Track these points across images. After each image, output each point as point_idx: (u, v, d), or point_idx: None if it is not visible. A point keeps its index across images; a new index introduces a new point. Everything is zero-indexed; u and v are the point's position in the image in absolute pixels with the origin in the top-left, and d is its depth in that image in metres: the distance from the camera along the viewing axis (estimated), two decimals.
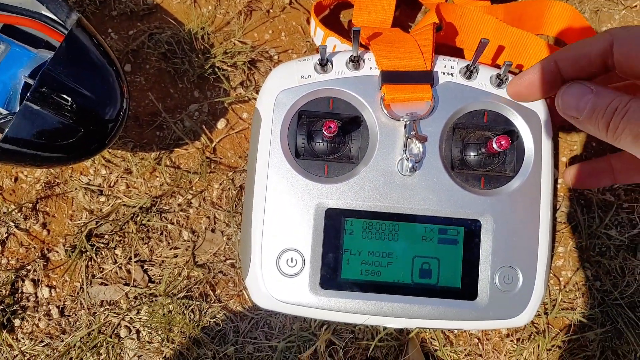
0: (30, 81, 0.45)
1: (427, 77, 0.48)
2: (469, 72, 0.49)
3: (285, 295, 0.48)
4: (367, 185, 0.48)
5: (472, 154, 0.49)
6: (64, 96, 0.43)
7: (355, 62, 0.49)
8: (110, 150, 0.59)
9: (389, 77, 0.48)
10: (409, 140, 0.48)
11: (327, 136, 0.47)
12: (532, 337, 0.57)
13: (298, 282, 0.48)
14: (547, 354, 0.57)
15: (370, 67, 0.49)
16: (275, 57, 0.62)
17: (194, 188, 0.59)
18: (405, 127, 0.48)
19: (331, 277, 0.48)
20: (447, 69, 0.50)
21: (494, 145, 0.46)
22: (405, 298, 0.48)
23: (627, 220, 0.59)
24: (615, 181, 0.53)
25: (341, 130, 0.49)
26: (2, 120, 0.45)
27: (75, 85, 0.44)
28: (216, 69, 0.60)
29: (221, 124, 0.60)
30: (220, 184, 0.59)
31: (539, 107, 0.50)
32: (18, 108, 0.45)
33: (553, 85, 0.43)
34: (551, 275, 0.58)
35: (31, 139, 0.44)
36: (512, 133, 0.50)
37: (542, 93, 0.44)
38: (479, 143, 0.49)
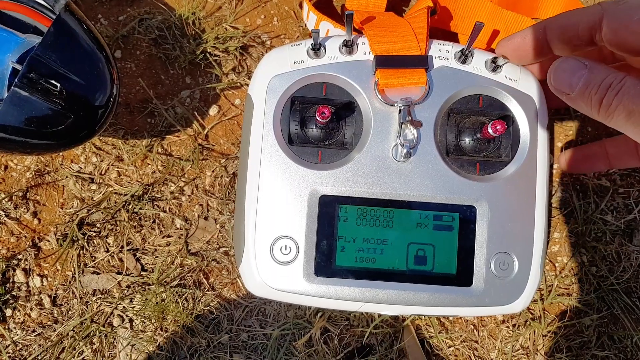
0: (18, 67, 0.44)
1: (422, 62, 0.47)
2: (464, 57, 0.49)
3: (279, 283, 0.47)
4: (361, 172, 0.48)
5: (467, 139, 0.49)
6: (53, 82, 0.42)
7: (349, 46, 0.48)
8: (100, 138, 0.58)
9: (383, 62, 0.47)
10: (403, 125, 0.47)
11: (320, 122, 0.46)
12: (528, 323, 0.57)
13: (292, 269, 0.47)
14: (543, 339, 0.57)
15: (364, 51, 0.49)
16: (268, 42, 0.61)
17: (186, 175, 0.58)
18: (399, 112, 0.47)
19: (325, 265, 0.47)
20: (442, 53, 0.49)
21: (490, 130, 0.45)
22: (400, 285, 0.48)
23: (622, 205, 0.59)
24: (610, 166, 0.52)
25: (335, 116, 0.48)
26: None
27: (64, 71, 0.43)
28: (208, 55, 0.59)
29: (213, 110, 0.59)
30: (213, 171, 0.58)
31: (535, 92, 0.49)
32: (6, 94, 0.45)
33: (539, 51, 0.43)
34: (547, 261, 0.58)
35: (20, 126, 0.43)
36: (507, 118, 0.49)
37: (527, 58, 0.44)
38: (474, 128, 0.49)
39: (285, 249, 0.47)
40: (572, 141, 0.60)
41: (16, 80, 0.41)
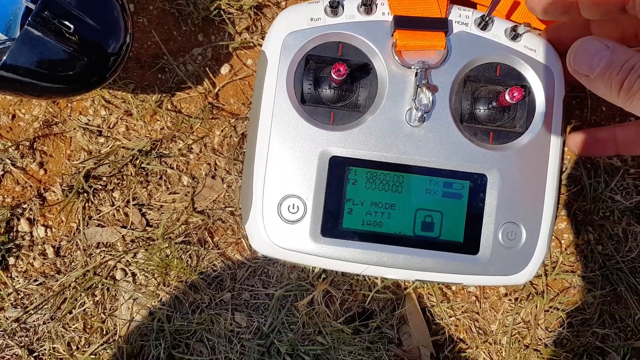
0: (32, 5, 0.43)
1: (442, 25, 0.46)
2: (484, 23, 0.48)
3: (285, 242, 0.47)
4: (373, 135, 0.47)
5: (482, 107, 0.48)
6: (66, 23, 0.41)
7: (367, 5, 0.47)
8: (110, 91, 0.57)
9: (402, 22, 0.46)
10: (419, 89, 0.46)
11: (335, 80, 0.46)
12: (531, 297, 0.57)
13: (299, 228, 0.47)
14: (545, 314, 0.57)
15: (383, 12, 0.48)
16: (283, 3, 0.60)
17: (195, 133, 0.58)
18: (415, 75, 0.46)
19: (332, 226, 0.47)
20: (462, 18, 0.48)
21: (507, 97, 0.44)
22: (406, 249, 0.47)
23: (632, 186, 0.58)
24: (618, 152, 0.51)
25: (349, 77, 0.47)
26: (2, 47, 0.43)
27: (78, 13, 0.42)
28: (221, 12, 0.58)
29: (225, 69, 0.58)
30: (222, 131, 0.58)
31: (553, 63, 0.49)
32: (18, 34, 0.44)
33: (566, 8, 0.41)
34: (553, 237, 0.58)
35: (31, 67, 0.42)
36: (524, 88, 0.48)
37: (554, 10, 0.43)
38: (489, 97, 0.48)
39: (293, 208, 0.47)
40: (585, 120, 0.60)
41: (29, 18, 0.41)
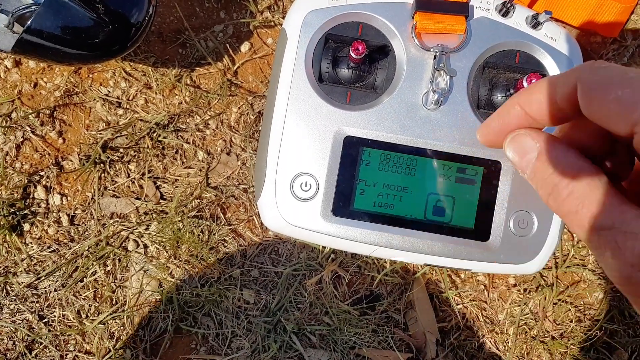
0: None
1: (463, 8, 0.46)
2: (505, 10, 0.48)
3: (297, 219, 0.47)
4: (389, 116, 0.47)
5: (499, 94, 0.48)
6: None
7: None
8: (131, 64, 0.58)
9: (424, 5, 0.46)
10: (437, 72, 0.46)
11: (354, 59, 0.46)
12: (540, 289, 0.57)
13: (310, 206, 0.47)
14: (553, 307, 0.57)
15: None
16: None
17: (212, 109, 0.58)
18: (434, 58, 0.46)
19: (344, 205, 0.47)
20: (483, 4, 0.48)
21: (525, 84, 0.44)
22: (416, 232, 0.47)
23: None
24: None
25: (367, 58, 0.48)
26: (27, 11, 0.44)
27: None
28: None
29: (245, 47, 0.59)
30: (239, 108, 0.58)
31: (574, 53, 0.48)
32: None
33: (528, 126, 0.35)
34: (565, 230, 0.58)
35: (54, 32, 0.43)
36: (542, 77, 0.48)
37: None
38: (507, 84, 0.48)
39: (306, 186, 0.47)
40: None
41: None
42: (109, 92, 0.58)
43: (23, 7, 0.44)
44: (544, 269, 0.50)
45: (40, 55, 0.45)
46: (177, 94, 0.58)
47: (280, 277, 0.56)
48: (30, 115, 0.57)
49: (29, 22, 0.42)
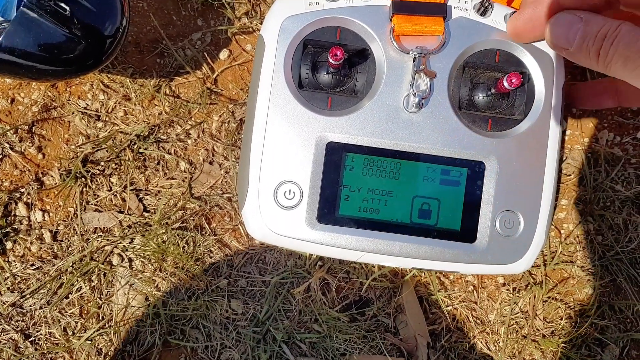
0: None
1: (441, 9, 0.46)
2: (484, 9, 0.47)
3: (282, 228, 0.47)
4: (370, 120, 0.47)
5: (480, 94, 0.48)
6: (62, 4, 0.41)
7: None
8: (109, 75, 0.57)
9: (401, 7, 0.46)
10: (416, 75, 0.46)
11: (332, 65, 0.45)
12: (529, 287, 0.57)
13: (295, 215, 0.47)
14: (543, 305, 0.57)
15: None
16: None
17: (193, 119, 0.57)
18: (414, 61, 0.46)
19: (329, 212, 0.47)
20: (461, 3, 0.48)
21: (505, 83, 0.44)
22: (402, 237, 0.47)
23: (634, 175, 0.58)
24: (619, 103, 0.50)
25: (347, 62, 0.47)
26: None
27: None
28: None
29: (223, 54, 0.58)
30: (220, 116, 0.57)
31: (552, 50, 0.48)
32: (14, 15, 0.44)
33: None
34: (552, 227, 0.57)
35: (26, 49, 0.42)
36: (523, 75, 0.48)
37: (543, 31, 0.42)
38: (488, 84, 0.48)
39: (289, 194, 0.47)
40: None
41: (25, 0, 0.40)
42: (88, 105, 0.57)
43: None
44: (532, 267, 0.49)
45: (15, 73, 0.44)
46: (156, 105, 0.57)
47: (268, 286, 0.56)
48: (8, 132, 0.56)
49: (0, 40, 0.41)
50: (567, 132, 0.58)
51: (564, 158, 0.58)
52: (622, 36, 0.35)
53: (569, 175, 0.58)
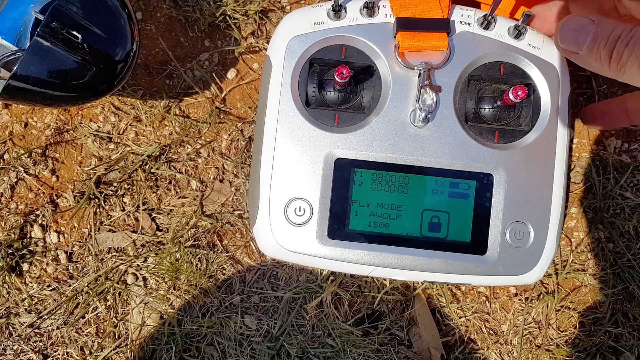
0: (41, 17, 0.44)
1: (444, 25, 0.47)
2: (487, 22, 0.48)
3: (293, 244, 0.48)
4: (378, 136, 0.47)
5: (486, 107, 0.48)
6: (74, 33, 0.42)
7: (370, 8, 0.47)
8: (119, 98, 0.58)
9: (405, 24, 0.46)
10: (422, 90, 0.47)
11: (339, 83, 0.46)
12: (541, 296, 0.57)
13: (306, 231, 0.47)
14: (556, 314, 0.57)
15: (385, 14, 0.48)
16: (288, 7, 0.60)
17: (203, 138, 0.58)
18: (419, 76, 0.47)
19: (339, 228, 0.47)
20: (464, 18, 0.48)
21: (510, 96, 0.44)
22: (413, 250, 0.47)
23: None
24: (631, 123, 0.51)
25: (353, 79, 0.48)
26: (13, 57, 0.44)
27: (85, 23, 0.43)
28: (227, 17, 0.58)
29: (231, 74, 0.59)
30: (229, 135, 0.58)
31: (557, 61, 0.48)
32: (28, 45, 0.45)
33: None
34: (563, 235, 0.58)
35: (40, 77, 0.43)
36: (528, 86, 0.48)
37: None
38: (494, 96, 0.48)
39: (300, 211, 0.47)
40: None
41: (38, 29, 0.41)
42: (99, 127, 0.58)
43: (8, 53, 0.44)
44: (544, 276, 0.49)
45: (28, 100, 0.45)
46: (167, 125, 0.58)
47: (281, 302, 0.56)
48: (22, 156, 0.57)
49: (15, 69, 0.42)
50: (575, 140, 0.58)
51: (572, 166, 0.58)
52: (637, 37, 0.33)
53: (578, 183, 0.58)
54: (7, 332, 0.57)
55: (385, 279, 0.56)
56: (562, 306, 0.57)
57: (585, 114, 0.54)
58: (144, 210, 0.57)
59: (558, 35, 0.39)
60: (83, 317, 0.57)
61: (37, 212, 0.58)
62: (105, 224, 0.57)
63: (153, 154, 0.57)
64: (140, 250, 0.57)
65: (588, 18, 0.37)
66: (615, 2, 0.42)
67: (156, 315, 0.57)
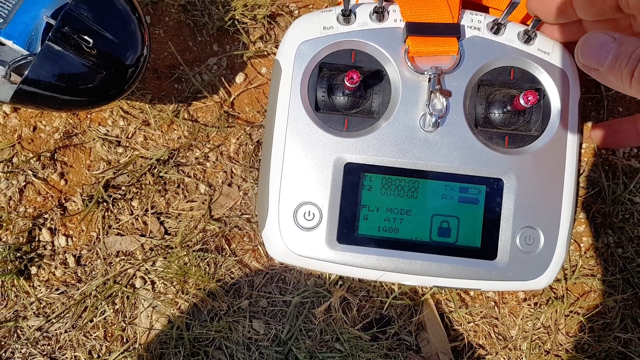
0: (52, 21, 0.45)
1: (454, 30, 0.47)
2: (497, 27, 0.48)
3: (302, 249, 0.47)
4: (387, 141, 0.47)
5: (496, 111, 0.48)
6: (86, 37, 0.43)
7: (380, 13, 0.47)
8: (128, 102, 0.58)
9: (414, 29, 0.46)
10: (432, 94, 0.46)
11: (348, 87, 0.46)
12: (550, 302, 0.57)
13: (315, 235, 0.47)
14: (565, 319, 0.57)
15: (395, 19, 0.48)
16: (296, 12, 0.61)
17: (211, 142, 0.58)
18: (429, 81, 0.47)
19: (348, 232, 0.47)
20: (474, 23, 0.48)
21: (521, 101, 0.44)
22: (422, 255, 0.47)
23: None
24: None
25: (362, 84, 0.48)
26: (24, 62, 0.44)
27: (97, 27, 0.43)
28: (236, 22, 0.59)
29: (239, 78, 0.59)
30: (238, 139, 0.58)
31: (568, 66, 0.48)
32: (39, 49, 0.45)
33: (562, 10, 0.42)
34: (572, 240, 0.57)
35: (51, 81, 0.43)
36: (539, 91, 0.48)
37: (551, 14, 0.43)
38: (504, 101, 0.48)
39: (309, 215, 0.47)
40: (601, 121, 0.59)
41: (50, 34, 0.42)
42: (108, 131, 0.58)
43: (19, 58, 0.44)
44: (553, 281, 0.49)
45: (39, 104, 0.45)
46: (175, 129, 0.58)
47: (289, 306, 0.56)
48: (31, 159, 0.57)
49: (26, 73, 0.42)
50: (584, 145, 0.58)
51: (581, 171, 0.58)
52: None
53: (587, 188, 0.58)
54: (15, 335, 0.57)
55: (393, 284, 0.56)
56: (571, 311, 0.57)
57: (595, 134, 0.54)
58: (152, 214, 0.58)
59: (579, 51, 0.38)
60: (91, 320, 0.57)
61: (46, 216, 0.58)
62: (113, 228, 0.58)
63: (162, 158, 0.57)
64: (148, 254, 0.57)
65: (610, 35, 0.36)
66: (630, 19, 0.41)
67: (164, 319, 0.57)
